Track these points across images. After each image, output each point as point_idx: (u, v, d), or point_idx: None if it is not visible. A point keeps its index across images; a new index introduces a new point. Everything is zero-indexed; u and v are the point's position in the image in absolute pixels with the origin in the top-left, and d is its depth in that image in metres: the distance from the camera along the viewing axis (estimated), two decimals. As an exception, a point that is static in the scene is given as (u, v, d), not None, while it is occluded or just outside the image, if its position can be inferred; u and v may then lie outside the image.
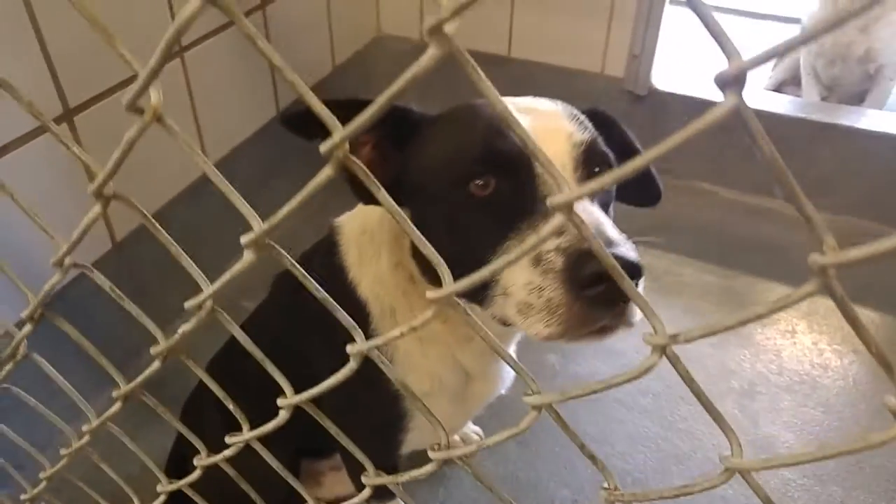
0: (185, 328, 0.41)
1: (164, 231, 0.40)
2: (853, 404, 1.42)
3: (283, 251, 0.36)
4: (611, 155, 0.66)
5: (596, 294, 0.50)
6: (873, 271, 1.68)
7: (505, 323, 0.62)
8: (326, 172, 0.29)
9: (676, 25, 1.84)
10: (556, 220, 0.27)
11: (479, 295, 0.61)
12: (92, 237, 1.24)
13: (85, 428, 0.56)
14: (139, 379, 0.49)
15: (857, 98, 2.09)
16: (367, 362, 0.78)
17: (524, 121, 0.62)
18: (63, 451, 0.60)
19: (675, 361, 0.31)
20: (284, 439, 0.55)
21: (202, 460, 0.54)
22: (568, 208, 0.27)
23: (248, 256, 0.35)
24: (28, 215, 0.45)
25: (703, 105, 1.75)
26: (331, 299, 0.36)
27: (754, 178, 1.86)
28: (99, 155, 1.16)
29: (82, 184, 1.21)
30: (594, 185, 0.26)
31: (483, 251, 0.59)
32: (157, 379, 0.47)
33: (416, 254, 0.69)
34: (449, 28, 0.24)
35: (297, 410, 0.71)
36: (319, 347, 0.86)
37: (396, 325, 0.76)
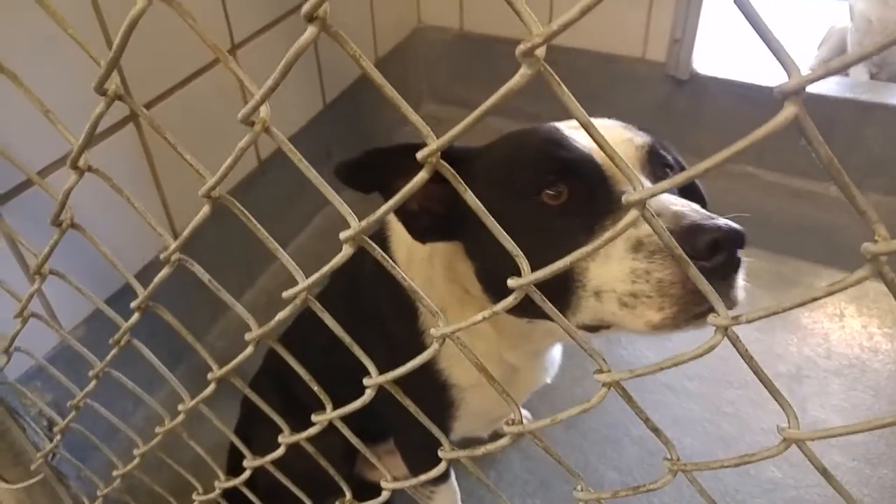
0: (280, 316, 0.46)
1: (269, 236, 0.44)
2: (905, 388, 1.41)
3: (375, 246, 0.40)
4: (671, 156, 0.69)
5: (712, 265, 0.50)
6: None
7: (596, 329, 0.62)
8: (422, 176, 0.33)
9: (717, 8, 1.82)
10: (631, 215, 0.30)
11: (561, 301, 0.61)
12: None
13: (181, 407, 0.62)
14: (233, 363, 0.54)
15: (908, 75, 2.03)
16: (417, 353, 0.83)
17: (577, 134, 0.65)
18: (158, 429, 0.67)
19: (735, 341, 0.34)
20: (347, 422, 0.59)
21: (286, 438, 0.59)
22: (642, 204, 0.30)
23: (346, 250, 0.39)
24: (139, 213, 0.50)
25: (745, 89, 1.75)
26: (414, 286, 0.40)
27: (796, 160, 1.83)
28: (162, 148, 1.19)
29: (148, 178, 1.28)
30: (665, 184, 0.29)
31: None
32: (219, 359, 0.53)
33: (481, 274, 0.72)
34: (540, 52, 0.27)
35: (360, 394, 0.77)
36: (372, 337, 0.91)
37: (446, 323, 0.81)
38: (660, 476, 0.44)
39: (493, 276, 0.69)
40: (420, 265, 0.82)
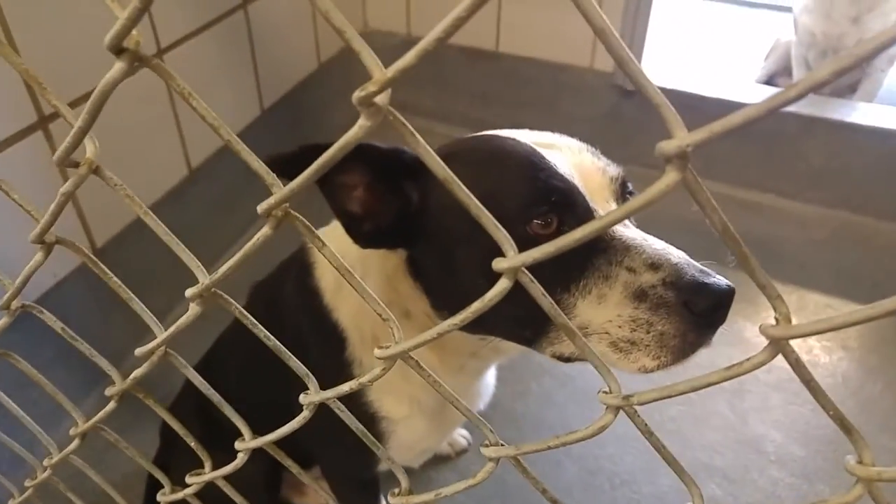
0: (137, 373, 0.40)
1: (111, 273, 0.38)
2: (841, 402, 1.39)
3: (230, 300, 0.34)
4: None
5: (710, 321, 0.54)
6: (862, 265, 1.69)
7: (570, 360, 0.62)
8: (265, 232, 0.28)
9: (665, 21, 1.82)
10: (503, 283, 0.26)
11: (538, 330, 0.61)
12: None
13: (72, 431, 0.54)
14: (96, 419, 0.48)
15: (849, 89, 2.07)
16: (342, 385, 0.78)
17: (557, 157, 0.61)
18: (27, 483, 0.59)
19: (633, 417, 0.30)
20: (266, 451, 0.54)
21: (165, 496, 0.53)
22: (514, 272, 0.25)
23: (194, 309, 0.33)
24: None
25: (692, 99, 1.73)
26: (283, 347, 0.35)
27: (744, 172, 1.84)
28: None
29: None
30: (620, 212, 0.25)
31: (551, 291, 0.58)
32: (147, 381, 0.46)
33: (433, 288, 0.68)
34: (381, 99, 0.22)
35: (280, 420, 0.71)
36: (295, 376, 0.85)
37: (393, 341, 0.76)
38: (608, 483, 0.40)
39: (452, 288, 0.65)
40: (350, 292, 0.75)
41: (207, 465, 0.48)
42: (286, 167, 0.55)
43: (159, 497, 0.53)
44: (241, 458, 0.42)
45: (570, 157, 0.63)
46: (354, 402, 0.79)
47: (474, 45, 1.93)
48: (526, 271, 0.27)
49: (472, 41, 1.93)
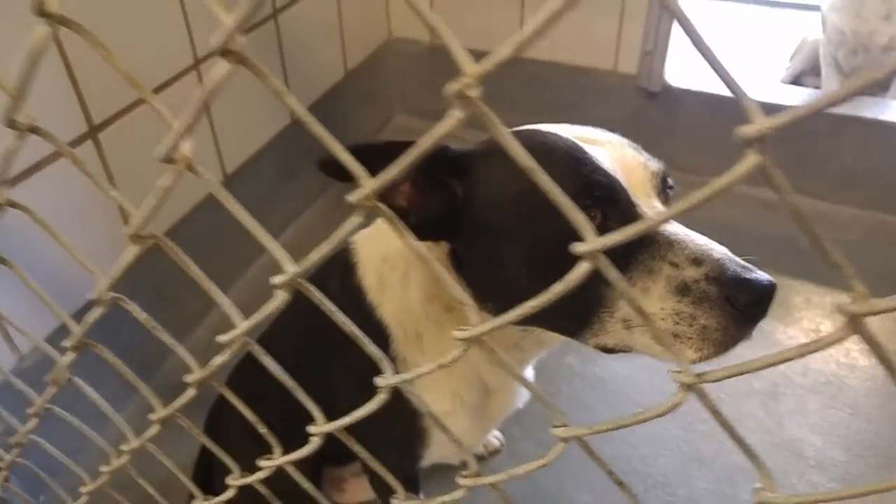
0: (219, 360, 0.43)
1: (198, 271, 0.41)
2: (882, 405, 1.40)
3: (313, 289, 0.37)
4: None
5: (751, 316, 0.55)
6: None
7: (614, 351, 0.64)
8: (355, 221, 0.30)
9: (694, 18, 1.82)
10: (582, 268, 0.27)
11: (581, 322, 0.62)
12: (113, 254, 1.26)
13: (124, 448, 0.58)
14: (175, 405, 0.50)
15: (880, 88, 2.05)
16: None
17: (600, 153, 0.63)
18: (103, 468, 0.62)
19: (702, 396, 0.31)
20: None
21: (235, 480, 0.55)
22: (593, 256, 0.27)
23: (281, 296, 0.36)
24: (67, 251, 0.46)
25: (717, 100, 1.75)
26: (360, 333, 0.37)
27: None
28: (126, 169, 1.16)
29: (105, 205, 1.23)
30: (668, 213, 0.26)
31: (595, 285, 0.58)
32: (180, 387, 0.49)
33: (478, 280, 0.69)
34: (474, 92, 0.24)
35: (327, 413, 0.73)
36: (339, 363, 0.87)
37: (422, 350, 0.78)
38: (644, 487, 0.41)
39: (496, 279, 0.66)
40: (393, 290, 0.78)
41: (277, 450, 0.50)
42: (337, 167, 0.57)
43: (229, 481, 0.55)
44: (315, 442, 0.44)
45: (611, 152, 0.64)
46: (397, 396, 0.80)
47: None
48: (604, 255, 0.28)
49: (494, 46, 1.95)
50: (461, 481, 0.40)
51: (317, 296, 0.36)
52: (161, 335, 0.46)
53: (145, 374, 1.38)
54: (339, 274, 0.82)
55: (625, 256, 0.59)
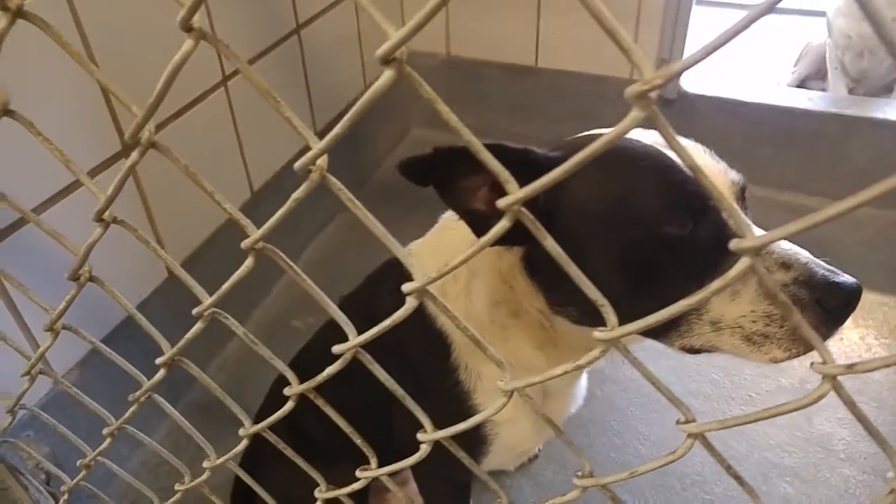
0: (330, 370, 0.43)
1: (306, 278, 0.41)
2: (905, 398, 1.42)
3: (441, 302, 0.37)
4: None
5: (839, 316, 0.58)
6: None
7: (698, 352, 0.66)
8: (504, 224, 0.31)
9: (703, 27, 1.85)
10: (742, 264, 0.29)
11: (669, 323, 0.63)
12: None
13: (206, 464, 0.58)
14: (270, 420, 0.51)
15: (885, 90, 2.09)
16: (450, 391, 0.80)
17: (677, 158, 0.63)
18: (178, 487, 0.62)
19: (839, 389, 0.32)
20: (359, 458, 0.56)
21: (322, 493, 0.55)
22: (754, 251, 0.28)
23: (412, 302, 0.36)
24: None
25: (733, 105, 1.77)
26: (480, 337, 0.38)
27: (784, 175, 1.86)
28: (157, 186, 1.14)
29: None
30: (781, 231, 0.28)
31: (686, 288, 0.60)
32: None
33: (552, 287, 0.70)
34: (653, 94, 0.26)
35: (373, 430, 0.73)
36: (394, 374, 0.87)
37: (485, 357, 0.78)
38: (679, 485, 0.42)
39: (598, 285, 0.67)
40: (455, 299, 0.78)
41: (373, 461, 0.50)
42: (418, 170, 0.58)
43: (317, 494, 0.56)
44: (424, 450, 0.45)
45: (699, 160, 0.65)
46: (461, 405, 0.81)
47: (515, 62, 1.97)
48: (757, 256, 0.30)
49: (512, 58, 1.97)
50: (578, 482, 0.41)
51: (441, 305, 0.37)
52: (260, 349, 0.47)
53: (180, 391, 1.38)
54: (396, 285, 0.82)
55: (715, 260, 0.60)
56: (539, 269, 0.69)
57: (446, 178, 0.59)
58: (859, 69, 2.04)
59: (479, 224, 0.64)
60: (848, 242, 1.78)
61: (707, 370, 1.48)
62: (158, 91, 0.34)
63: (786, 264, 0.58)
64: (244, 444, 0.54)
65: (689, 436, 0.36)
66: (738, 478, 0.40)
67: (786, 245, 0.60)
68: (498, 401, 0.79)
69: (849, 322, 1.67)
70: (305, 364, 1.08)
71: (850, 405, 0.33)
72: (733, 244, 0.29)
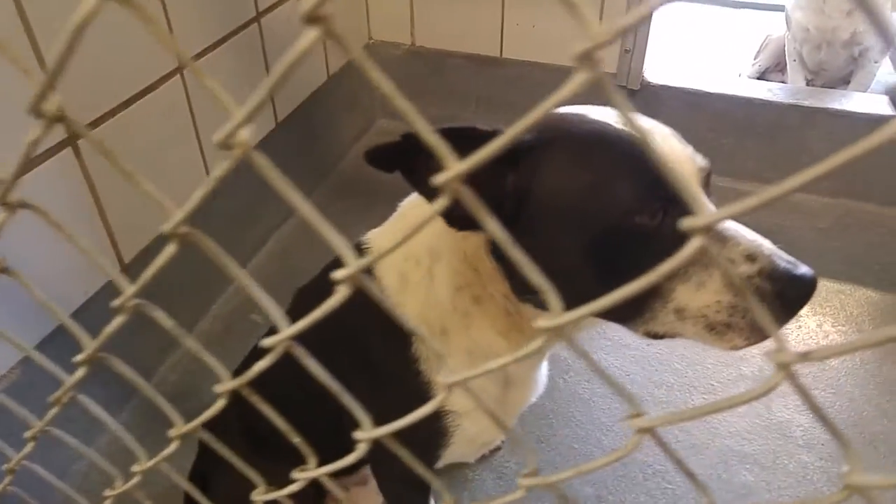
0: (259, 366, 0.40)
1: (237, 265, 0.38)
2: (862, 385, 1.45)
3: (372, 285, 0.35)
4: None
5: (797, 306, 0.59)
6: (870, 250, 1.73)
7: (661, 337, 0.66)
8: (441, 203, 0.28)
9: (666, 18, 1.85)
10: (694, 243, 0.27)
11: (634, 310, 0.64)
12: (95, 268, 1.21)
13: (135, 468, 0.54)
14: (202, 418, 0.47)
15: (842, 81, 2.13)
16: (410, 382, 0.77)
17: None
18: (108, 493, 0.58)
19: (794, 379, 0.31)
20: (316, 451, 0.54)
21: (261, 495, 0.52)
22: (706, 230, 0.26)
23: (343, 291, 0.34)
24: (87, 255, 0.43)
25: (695, 95, 1.78)
26: (424, 332, 0.35)
27: (745, 165, 1.88)
28: (106, 173, 1.09)
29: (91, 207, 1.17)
30: (733, 208, 0.26)
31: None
32: (178, 394, 0.46)
33: (517, 271, 0.68)
34: (599, 54, 0.23)
35: (326, 426, 0.70)
36: (349, 366, 0.84)
37: (447, 347, 0.77)
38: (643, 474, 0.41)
39: (547, 270, 0.65)
40: (416, 287, 0.76)
41: (313, 461, 0.47)
42: (386, 156, 0.56)
43: (254, 496, 0.53)
44: (362, 449, 0.42)
45: (662, 142, 0.64)
46: (421, 396, 0.79)
47: (479, 53, 1.95)
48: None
49: (477, 49, 1.95)
50: (522, 482, 0.39)
51: (376, 293, 0.34)
52: (188, 341, 0.43)
53: (133, 388, 1.33)
54: None
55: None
56: (504, 253, 0.67)
57: (414, 164, 0.57)
58: (817, 61, 2.07)
59: (448, 210, 0.61)
60: (805, 231, 1.81)
61: (669, 360, 1.49)
62: (59, 55, 0.30)
63: (751, 256, 0.59)
64: (174, 446, 0.50)
65: (638, 431, 0.35)
66: (689, 474, 0.38)
67: (750, 235, 0.60)
68: (454, 396, 0.77)
69: (806, 310, 1.71)
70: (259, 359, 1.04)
71: (804, 394, 0.31)
72: (685, 223, 0.26)
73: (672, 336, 0.65)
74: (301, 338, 0.91)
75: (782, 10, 2.16)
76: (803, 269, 0.59)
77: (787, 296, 0.58)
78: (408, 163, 0.56)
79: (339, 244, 0.33)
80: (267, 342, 0.39)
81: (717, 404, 0.33)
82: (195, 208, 0.34)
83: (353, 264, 0.33)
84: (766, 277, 0.58)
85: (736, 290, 0.58)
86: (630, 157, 0.61)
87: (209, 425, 1.08)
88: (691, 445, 1.34)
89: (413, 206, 0.78)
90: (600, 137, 0.64)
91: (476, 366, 0.80)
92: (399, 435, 0.62)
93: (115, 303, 0.41)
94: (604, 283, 0.62)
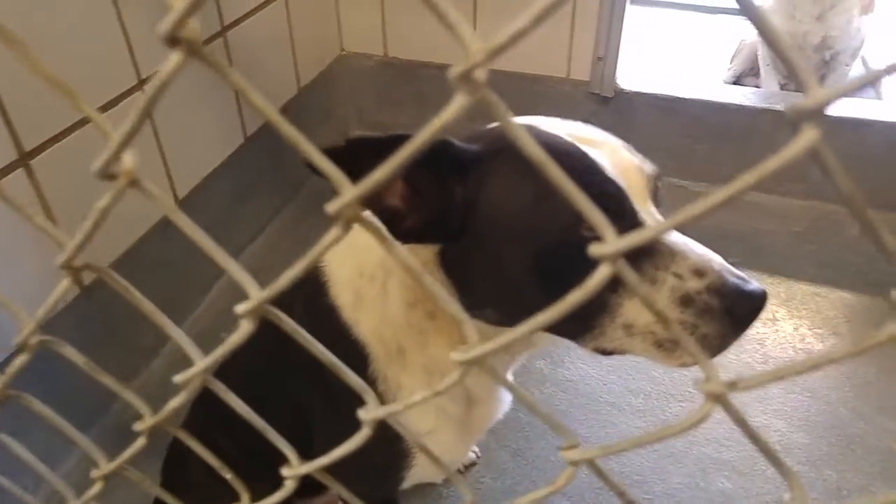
0: (172, 404, 0.37)
1: (144, 299, 0.36)
2: (838, 387, 1.44)
3: (284, 316, 0.32)
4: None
5: (746, 323, 0.58)
6: (844, 252, 1.73)
7: (610, 353, 0.64)
8: (335, 234, 0.26)
9: (639, 24, 1.85)
10: (602, 272, 0.24)
11: (582, 326, 0.62)
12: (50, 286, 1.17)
13: (95, 474, 0.50)
14: (123, 457, 0.44)
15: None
16: (362, 404, 0.75)
17: (598, 155, 0.61)
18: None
19: (727, 406, 0.29)
20: (276, 479, 0.51)
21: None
22: (615, 258, 0.24)
23: (246, 327, 0.31)
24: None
25: (669, 101, 1.77)
26: (340, 363, 0.33)
27: (721, 170, 1.88)
28: (62, 195, 1.08)
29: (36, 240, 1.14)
30: (645, 234, 0.24)
31: (598, 297, 0.60)
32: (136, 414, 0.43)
33: (470, 285, 0.66)
34: (481, 74, 0.21)
35: (292, 444, 0.68)
36: (309, 390, 0.82)
37: (404, 366, 0.74)
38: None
39: (494, 285, 0.64)
40: (371, 304, 0.74)
41: (245, 497, 0.45)
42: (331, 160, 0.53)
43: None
44: (289, 486, 0.39)
45: (610, 155, 0.63)
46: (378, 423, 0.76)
47: (451, 63, 1.93)
48: (623, 260, 0.26)
49: (449, 59, 1.93)
50: (567, 455, 0.36)
51: (290, 324, 0.32)
52: (104, 378, 0.41)
53: (94, 415, 1.29)
54: (307, 296, 0.76)
55: (629, 265, 0.58)
56: (454, 266, 0.65)
57: (358, 172, 0.54)
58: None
59: (393, 222, 0.60)
60: (780, 234, 1.81)
61: (647, 368, 1.47)
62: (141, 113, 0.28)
63: (699, 271, 0.58)
64: (98, 487, 0.47)
65: (570, 463, 0.32)
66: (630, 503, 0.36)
67: (700, 250, 0.59)
68: (415, 412, 0.75)
69: (783, 313, 1.70)
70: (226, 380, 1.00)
71: (740, 422, 0.29)
72: (591, 249, 0.24)
73: (622, 352, 0.63)
74: (263, 357, 0.88)
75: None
76: (753, 286, 0.58)
77: (736, 312, 0.57)
78: (352, 172, 0.53)
79: (240, 275, 0.31)
80: (178, 378, 0.37)
81: (650, 435, 0.31)
82: (83, 241, 0.31)
83: (255, 297, 0.31)
84: (714, 293, 0.57)
85: (683, 304, 0.57)
86: (575, 169, 0.59)
87: (171, 455, 1.05)
88: (669, 454, 1.33)
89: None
90: (548, 149, 0.62)
91: (431, 383, 0.78)
92: (356, 458, 0.60)
93: (16, 340, 0.38)
94: (551, 297, 0.61)
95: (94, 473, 0.45)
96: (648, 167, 0.65)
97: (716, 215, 0.25)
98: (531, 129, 0.65)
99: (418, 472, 0.82)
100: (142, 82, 1.30)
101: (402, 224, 0.60)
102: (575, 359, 1.50)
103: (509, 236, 0.61)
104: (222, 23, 1.51)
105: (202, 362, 0.36)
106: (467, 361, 0.28)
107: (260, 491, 0.53)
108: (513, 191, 0.61)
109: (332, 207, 0.26)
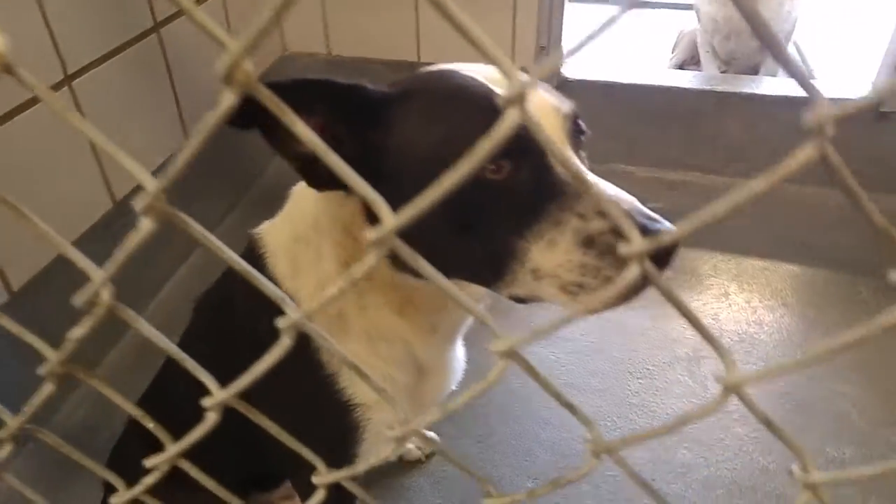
0: (76, 332, 0.35)
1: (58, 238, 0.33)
2: (791, 355, 1.47)
3: (185, 217, 0.30)
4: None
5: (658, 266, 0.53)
6: (791, 228, 1.78)
7: (525, 301, 0.62)
8: (147, 226, 0.24)
9: (579, 13, 1.89)
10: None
11: (495, 273, 0.61)
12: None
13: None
14: (32, 405, 0.41)
15: (752, 70, 2.22)
16: (313, 375, 0.72)
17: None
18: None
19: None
20: (230, 468, 0.48)
21: (120, 498, 0.46)
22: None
23: (147, 225, 0.29)
24: None
25: (612, 88, 1.79)
26: (254, 271, 0.31)
27: (667, 154, 1.92)
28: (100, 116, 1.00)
29: None
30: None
31: (505, 236, 0.58)
32: (87, 426, 0.40)
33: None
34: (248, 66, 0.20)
35: (239, 431, 0.64)
36: (251, 362, 0.78)
37: (346, 331, 0.72)
38: (583, 462, 0.38)
39: (412, 234, 0.62)
40: (307, 270, 0.72)
41: (168, 442, 0.42)
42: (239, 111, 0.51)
43: (112, 500, 0.47)
44: (211, 418, 0.37)
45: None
46: (325, 391, 0.74)
47: (397, 59, 1.94)
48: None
49: (394, 54, 1.94)
50: (389, 433, 0.35)
51: (196, 229, 0.30)
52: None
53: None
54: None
55: (535, 209, 0.58)
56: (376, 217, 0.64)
57: (271, 120, 0.52)
58: (728, 51, 2.16)
59: (307, 168, 0.59)
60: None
61: (606, 348, 1.48)
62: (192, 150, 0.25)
63: (604, 212, 0.55)
64: (50, 387, 0.43)
65: (501, 354, 0.31)
66: (569, 406, 0.35)
67: (610, 191, 0.57)
68: (360, 387, 0.73)
69: (734, 287, 1.73)
70: (164, 383, 0.96)
71: (754, 410, 0.29)
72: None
73: (534, 300, 0.61)
74: (205, 343, 0.84)
75: (691, 9, 2.24)
76: (660, 225, 0.54)
77: (656, 255, 0.55)
78: (265, 120, 0.52)
79: (139, 173, 0.29)
80: (77, 298, 0.34)
81: (671, 424, 0.34)
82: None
83: (151, 188, 0.29)
84: (618, 234, 0.54)
85: (584, 246, 0.55)
86: (481, 108, 0.58)
87: (116, 450, 0.99)
88: (631, 430, 1.33)
89: (303, 188, 0.74)
90: (457, 91, 0.62)
91: (376, 350, 0.75)
92: (305, 435, 0.57)
93: None
94: (464, 240, 0.59)
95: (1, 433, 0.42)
96: (565, 106, 0.64)
97: (663, 199, 0.24)
98: (449, 73, 0.64)
99: (371, 447, 0.80)
100: (69, 77, 1.26)
101: (316, 170, 0.59)
102: (538, 344, 1.50)
103: (419, 176, 0.59)
104: (154, 18, 1.47)
105: (99, 273, 0.33)
106: (379, 241, 0.26)
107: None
108: (421, 131, 0.60)
109: (138, 206, 0.24)
